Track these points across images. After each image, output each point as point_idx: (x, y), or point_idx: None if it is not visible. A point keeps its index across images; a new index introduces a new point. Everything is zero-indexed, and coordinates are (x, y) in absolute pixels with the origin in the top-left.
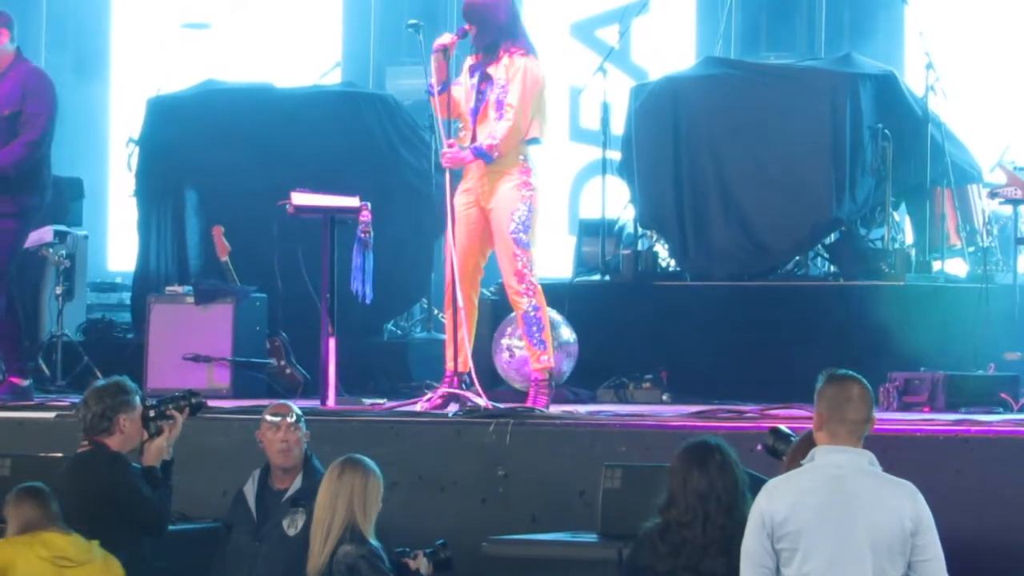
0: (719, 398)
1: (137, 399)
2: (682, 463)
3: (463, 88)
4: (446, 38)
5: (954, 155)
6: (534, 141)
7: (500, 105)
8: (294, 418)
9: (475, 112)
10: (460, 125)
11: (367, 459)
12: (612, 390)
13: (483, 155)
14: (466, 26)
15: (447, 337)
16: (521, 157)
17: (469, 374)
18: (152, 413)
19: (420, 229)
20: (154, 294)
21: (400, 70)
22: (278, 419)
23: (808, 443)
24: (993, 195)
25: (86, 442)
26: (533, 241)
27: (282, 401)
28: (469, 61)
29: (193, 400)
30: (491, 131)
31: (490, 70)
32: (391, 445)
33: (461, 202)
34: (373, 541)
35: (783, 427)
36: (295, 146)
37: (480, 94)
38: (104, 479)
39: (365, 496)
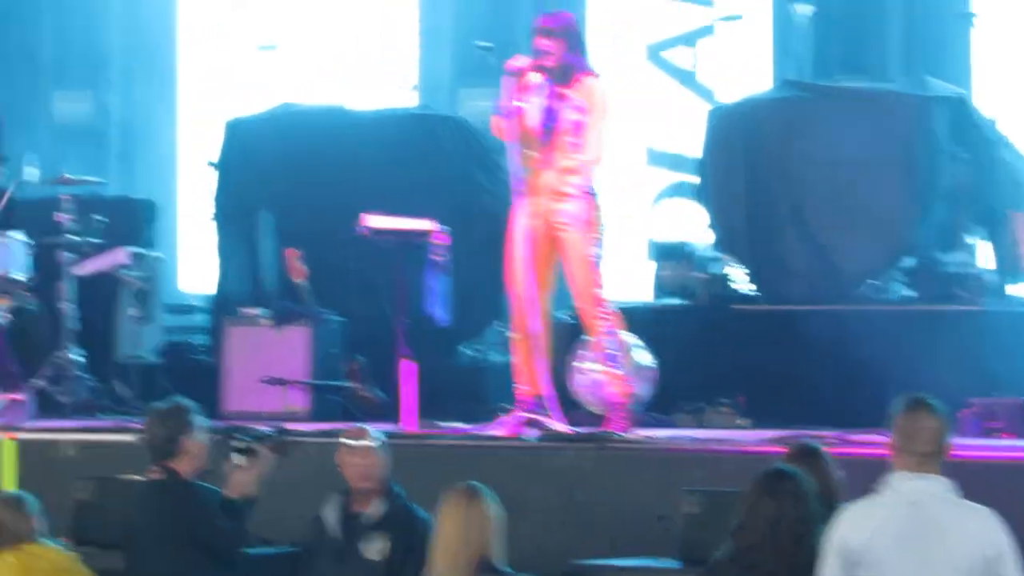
0: (797, 423)
1: (199, 419)
2: (754, 488)
3: (530, 108)
4: (521, 60)
5: None
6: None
7: (579, 129)
8: (373, 442)
9: (546, 133)
10: (526, 145)
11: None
12: (690, 415)
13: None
14: (539, 46)
15: (521, 360)
16: (590, 180)
17: (546, 398)
18: (239, 445)
19: (494, 251)
20: (231, 316)
21: (474, 92)
22: (357, 443)
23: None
24: None
25: (156, 468)
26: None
27: (361, 424)
28: (536, 80)
29: (282, 439)
30: (583, 164)
31: (565, 91)
32: (469, 469)
33: (531, 225)
34: (508, 569)
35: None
36: (370, 168)
37: (551, 114)
38: (178, 509)
39: (497, 526)
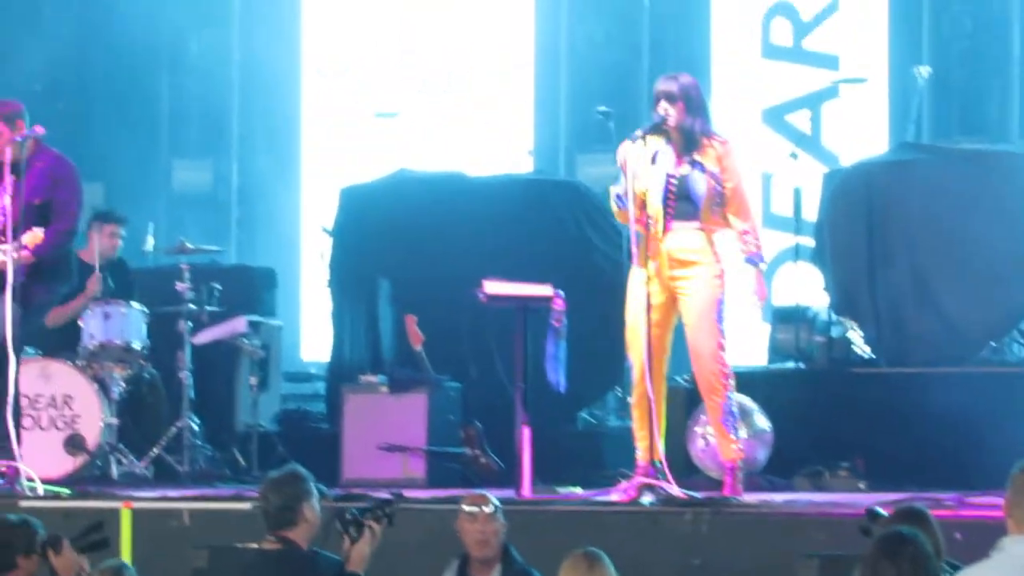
0: (916, 486)
1: (316, 488)
2: (874, 552)
3: (652, 173)
4: (643, 126)
5: None
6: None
7: (720, 195)
8: (492, 508)
9: (669, 198)
10: (647, 210)
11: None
12: (808, 478)
13: (759, 260)
14: (660, 110)
15: (638, 426)
16: (715, 243)
17: (660, 463)
18: (349, 518)
19: (612, 317)
20: (348, 384)
21: (591, 157)
22: (476, 509)
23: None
24: None
25: (272, 538)
26: None
27: (479, 491)
28: (658, 146)
29: (388, 510)
30: (745, 231)
31: (689, 156)
32: (587, 535)
33: (650, 291)
34: None
35: (878, 507)
36: (487, 234)
37: (674, 180)
38: None
39: None
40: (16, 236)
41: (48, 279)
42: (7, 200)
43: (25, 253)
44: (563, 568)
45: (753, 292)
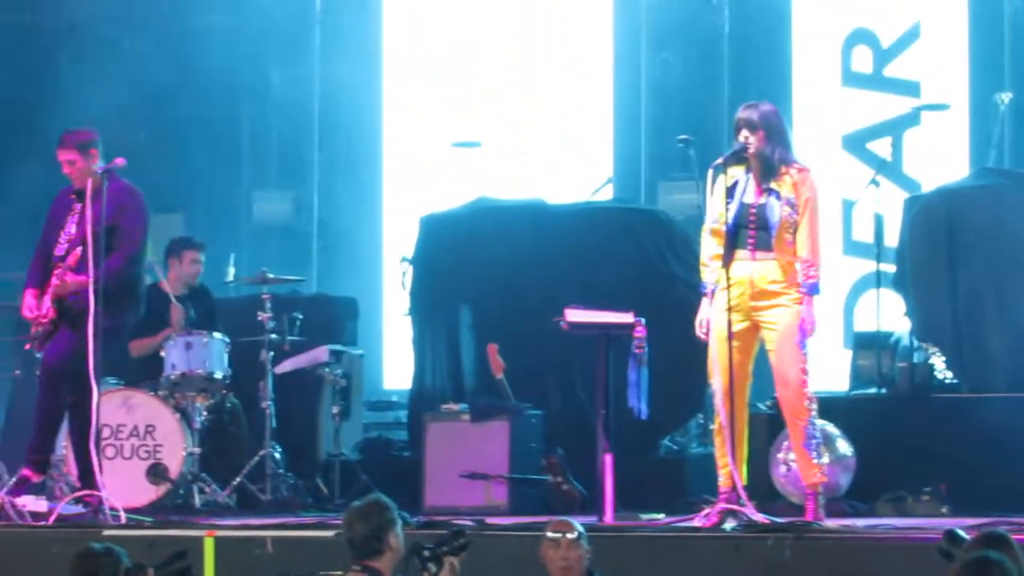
0: (1000, 511)
1: (400, 516)
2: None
3: (734, 203)
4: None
5: None
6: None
7: (794, 223)
8: (575, 534)
9: (747, 227)
10: (728, 240)
11: None
12: (891, 503)
13: (813, 291)
14: (740, 138)
15: (719, 452)
16: (798, 274)
17: (744, 489)
18: (427, 554)
19: (694, 344)
20: (430, 412)
21: (672, 185)
22: (559, 536)
23: (977, 546)
24: None
25: (358, 567)
26: None
27: (563, 518)
28: (738, 175)
29: (462, 542)
30: (806, 260)
31: (773, 184)
32: (670, 561)
33: (732, 318)
34: None
35: (958, 530)
36: (568, 262)
37: (758, 208)
38: None
39: None
40: (88, 264)
41: (111, 306)
42: (74, 228)
43: (81, 278)
44: None
45: (801, 318)
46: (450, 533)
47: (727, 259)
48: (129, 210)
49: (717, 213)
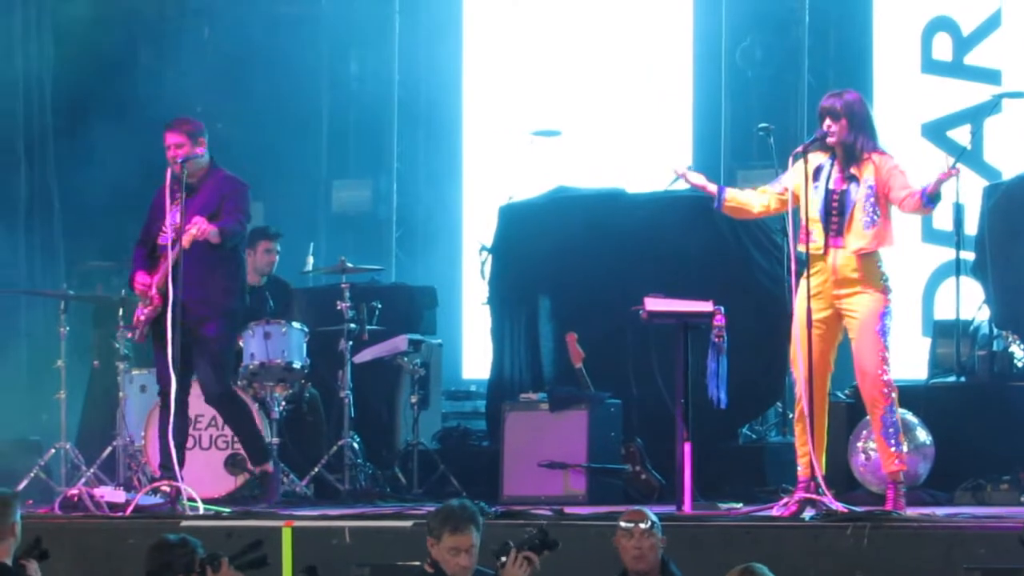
0: None
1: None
2: None
3: (800, 189)
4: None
5: None
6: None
7: (868, 210)
8: (648, 524)
9: (833, 214)
10: (811, 227)
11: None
12: (970, 492)
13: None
14: (826, 125)
15: (800, 441)
16: (878, 259)
17: (819, 478)
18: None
19: (773, 332)
20: (509, 401)
21: (751, 173)
22: (632, 525)
23: None
24: None
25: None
26: None
27: (637, 507)
28: (821, 161)
29: (544, 539)
30: (873, 245)
31: (854, 170)
32: (748, 550)
33: (813, 307)
34: None
35: None
36: (647, 251)
37: (838, 195)
38: None
39: None
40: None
41: (215, 296)
42: (179, 217)
43: (202, 228)
44: None
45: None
46: (536, 533)
47: (808, 246)
48: (231, 195)
49: (795, 193)
